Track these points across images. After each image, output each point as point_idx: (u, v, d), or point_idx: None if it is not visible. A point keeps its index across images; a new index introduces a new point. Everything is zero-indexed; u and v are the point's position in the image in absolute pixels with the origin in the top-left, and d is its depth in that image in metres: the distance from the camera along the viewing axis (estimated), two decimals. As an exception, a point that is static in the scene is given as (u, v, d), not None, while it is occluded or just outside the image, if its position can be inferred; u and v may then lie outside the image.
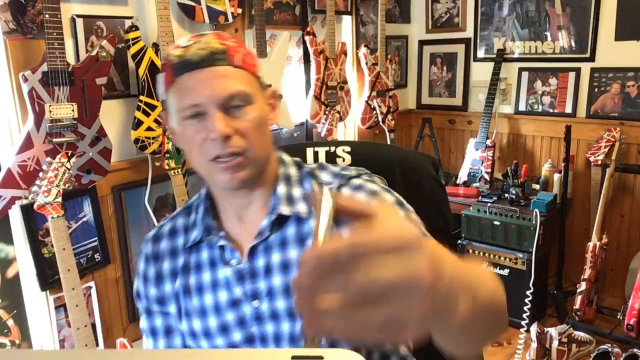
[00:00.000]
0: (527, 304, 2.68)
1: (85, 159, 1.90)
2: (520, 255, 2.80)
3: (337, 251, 0.34)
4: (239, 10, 2.41)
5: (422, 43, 3.73)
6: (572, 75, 3.13)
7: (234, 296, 0.90)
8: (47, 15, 1.71)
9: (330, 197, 0.40)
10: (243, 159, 0.86)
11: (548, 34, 3.18)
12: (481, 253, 2.94)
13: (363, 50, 3.15)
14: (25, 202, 1.84)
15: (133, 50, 2.02)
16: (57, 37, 1.74)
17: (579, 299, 2.73)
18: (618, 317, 2.67)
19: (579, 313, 2.72)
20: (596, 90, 3.05)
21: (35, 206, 1.71)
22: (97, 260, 2.12)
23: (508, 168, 3.13)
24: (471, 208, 2.96)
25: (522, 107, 3.34)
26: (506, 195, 3.03)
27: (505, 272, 2.87)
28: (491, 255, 2.90)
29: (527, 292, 2.70)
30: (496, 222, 2.86)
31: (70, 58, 1.91)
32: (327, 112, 2.85)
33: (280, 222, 0.90)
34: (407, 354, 0.94)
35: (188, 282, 0.94)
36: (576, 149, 3.11)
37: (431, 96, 3.73)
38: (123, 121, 2.13)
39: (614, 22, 2.92)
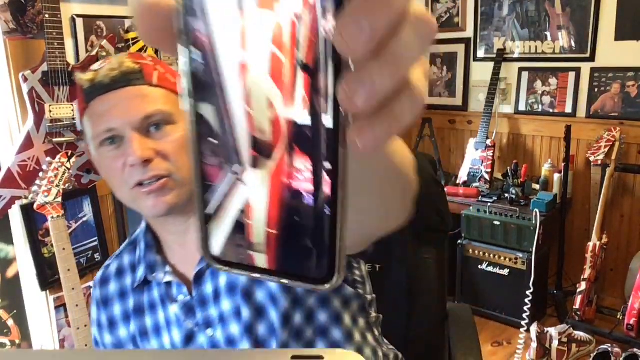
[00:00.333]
0: (527, 304, 2.68)
1: (85, 158, 1.90)
2: (520, 255, 2.80)
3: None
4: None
5: (422, 43, 3.73)
6: (572, 75, 3.13)
7: (186, 331, 0.85)
8: (47, 15, 1.71)
9: None
10: (168, 180, 0.80)
11: (548, 34, 3.18)
12: (481, 253, 2.94)
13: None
14: (25, 202, 1.84)
15: (133, 50, 2.03)
16: (57, 37, 1.74)
17: (579, 299, 2.73)
18: (618, 317, 2.67)
19: (579, 313, 2.72)
20: (596, 90, 3.05)
21: (35, 206, 1.71)
22: (97, 260, 2.12)
23: (508, 168, 3.13)
24: (471, 208, 2.96)
25: (522, 107, 3.34)
26: (506, 195, 3.03)
27: (505, 272, 2.87)
28: (491, 255, 2.90)
29: (527, 292, 2.69)
30: (496, 222, 2.86)
31: (70, 58, 1.92)
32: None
33: None
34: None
35: (144, 324, 0.89)
36: (576, 149, 3.11)
37: (431, 96, 3.73)
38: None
39: (614, 22, 2.92)
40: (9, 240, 1.96)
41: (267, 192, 0.26)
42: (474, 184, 3.17)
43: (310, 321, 0.84)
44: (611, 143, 2.84)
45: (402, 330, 1.28)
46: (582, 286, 2.72)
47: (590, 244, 2.78)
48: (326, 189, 0.25)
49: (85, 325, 1.78)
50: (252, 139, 0.26)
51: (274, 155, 0.26)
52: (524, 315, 2.67)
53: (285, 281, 0.27)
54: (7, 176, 1.73)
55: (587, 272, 2.74)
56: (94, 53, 1.86)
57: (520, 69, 3.31)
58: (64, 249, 1.73)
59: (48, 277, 1.96)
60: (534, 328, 2.58)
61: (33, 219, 1.88)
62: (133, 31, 2.01)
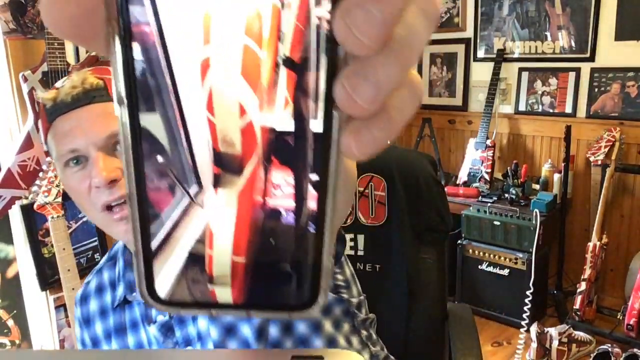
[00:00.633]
0: (527, 304, 2.68)
1: (85, 159, 1.90)
2: (520, 255, 2.80)
3: None
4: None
5: (422, 43, 3.73)
6: (572, 75, 3.13)
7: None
8: (47, 16, 1.72)
9: None
10: None
11: (548, 34, 3.18)
12: (481, 253, 2.94)
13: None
14: (25, 202, 1.85)
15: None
16: (57, 37, 1.74)
17: (579, 299, 2.73)
18: (618, 317, 2.67)
19: (579, 313, 2.72)
20: (596, 90, 3.05)
21: (35, 206, 1.71)
22: (97, 260, 2.13)
23: (508, 168, 3.13)
24: (471, 208, 2.96)
25: (522, 107, 3.34)
26: (506, 195, 3.03)
27: (505, 272, 2.87)
28: (491, 255, 2.90)
29: (527, 292, 2.69)
30: (496, 222, 2.86)
31: (70, 58, 1.92)
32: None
33: None
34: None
35: (126, 343, 0.87)
36: (576, 149, 3.11)
37: (431, 96, 3.73)
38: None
39: (614, 22, 2.92)
40: (9, 240, 1.96)
41: (234, 215, 0.22)
42: (474, 184, 3.17)
43: (289, 332, 0.82)
44: (611, 143, 2.84)
45: (402, 330, 1.28)
46: (582, 286, 2.72)
47: (590, 244, 2.78)
48: (311, 203, 0.22)
49: (85, 325, 1.78)
50: (214, 154, 0.21)
51: (245, 171, 0.22)
52: (524, 315, 2.67)
53: (255, 313, 0.23)
54: (7, 176, 1.73)
55: (587, 272, 2.74)
56: (94, 53, 1.86)
57: (520, 69, 3.31)
58: (64, 249, 1.73)
59: (48, 277, 1.96)
60: (534, 328, 2.58)
61: (33, 219, 1.88)
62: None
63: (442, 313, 1.33)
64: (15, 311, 2.04)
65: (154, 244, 0.22)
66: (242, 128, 0.21)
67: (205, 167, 0.22)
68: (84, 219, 2.05)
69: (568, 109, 3.16)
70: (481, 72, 3.46)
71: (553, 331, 2.57)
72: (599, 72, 3.03)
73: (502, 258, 2.86)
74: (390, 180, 1.19)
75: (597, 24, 2.97)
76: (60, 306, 2.00)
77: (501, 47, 3.34)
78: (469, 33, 3.49)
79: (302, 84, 0.21)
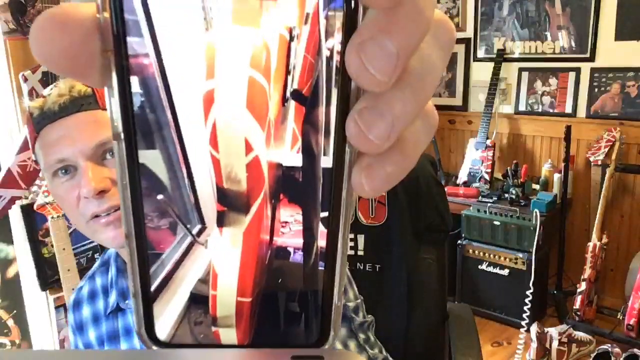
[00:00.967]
0: (527, 304, 2.68)
1: (85, 159, 1.90)
2: (520, 255, 2.80)
3: None
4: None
5: (422, 43, 3.73)
6: (572, 75, 3.13)
7: None
8: (47, 16, 1.72)
9: None
10: None
11: (548, 34, 3.18)
12: (481, 253, 2.94)
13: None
14: (25, 202, 1.84)
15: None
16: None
17: (579, 299, 2.73)
18: (618, 317, 2.67)
19: (579, 313, 2.72)
20: (596, 90, 3.05)
21: (35, 206, 1.71)
22: (97, 260, 2.13)
23: (508, 168, 3.13)
24: (471, 208, 2.96)
25: (522, 107, 3.34)
26: (506, 195, 3.03)
27: (505, 272, 2.87)
28: (491, 255, 2.90)
29: (527, 292, 2.69)
30: (496, 222, 2.86)
31: (70, 58, 1.92)
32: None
33: None
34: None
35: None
36: (576, 149, 3.11)
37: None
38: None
39: (614, 22, 2.92)
40: (9, 240, 1.96)
41: (239, 254, 0.21)
42: (474, 184, 3.17)
43: None
44: (611, 143, 2.84)
45: (402, 330, 1.28)
46: (582, 286, 2.72)
47: (590, 244, 2.78)
48: (321, 241, 0.21)
49: (85, 325, 1.78)
50: (218, 191, 0.20)
51: (251, 209, 0.20)
52: (524, 315, 2.67)
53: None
54: (7, 176, 1.72)
55: (587, 272, 2.74)
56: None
57: (520, 69, 3.31)
58: (64, 249, 1.73)
59: (48, 277, 1.96)
60: (534, 328, 2.57)
61: (33, 219, 1.88)
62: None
63: (442, 313, 1.33)
64: (15, 311, 2.04)
65: (154, 285, 0.21)
66: (248, 164, 0.20)
67: (209, 205, 0.21)
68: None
69: (568, 109, 3.16)
70: (481, 72, 3.46)
71: (553, 331, 2.57)
72: (599, 72, 3.03)
73: (502, 258, 2.86)
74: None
75: (597, 24, 2.97)
76: (60, 306, 2.00)
77: (501, 47, 3.34)
78: (469, 33, 3.49)
79: (311, 119, 0.20)
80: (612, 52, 2.96)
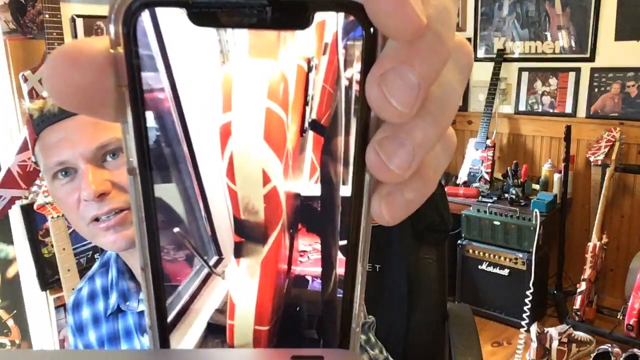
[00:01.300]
0: (527, 304, 2.68)
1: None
2: (520, 255, 2.80)
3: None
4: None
5: (422, 43, 3.73)
6: (572, 75, 3.13)
7: None
8: (47, 15, 1.72)
9: None
10: (128, 213, 0.74)
11: (548, 34, 3.18)
12: (481, 253, 2.94)
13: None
14: (25, 202, 1.85)
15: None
16: (57, 37, 1.74)
17: (579, 299, 2.73)
18: (618, 317, 2.67)
19: (579, 313, 2.72)
20: (596, 90, 3.05)
21: (35, 206, 1.71)
22: (97, 260, 2.13)
23: (508, 168, 3.13)
24: (471, 208, 2.96)
25: (522, 107, 3.34)
26: (506, 195, 3.03)
27: (505, 272, 2.87)
28: (491, 255, 2.90)
29: (527, 292, 2.69)
30: (496, 222, 2.86)
31: (70, 58, 1.92)
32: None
33: None
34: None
35: None
36: (576, 149, 3.11)
37: (431, 96, 3.73)
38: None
39: (614, 22, 2.92)
40: (9, 240, 1.96)
41: (257, 285, 0.21)
42: (474, 184, 3.17)
43: None
44: (611, 143, 2.84)
45: (402, 330, 1.28)
46: (582, 286, 2.72)
47: (590, 244, 2.78)
48: (340, 269, 0.21)
49: (85, 325, 1.78)
50: (235, 222, 0.20)
51: (269, 240, 0.20)
52: (524, 315, 2.67)
53: None
54: (7, 176, 1.73)
55: (587, 272, 2.74)
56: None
57: (520, 69, 3.31)
58: (64, 249, 1.73)
59: (48, 277, 1.96)
60: (534, 328, 2.58)
61: (33, 219, 1.88)
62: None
63: (442, 313, 1.33)
64: (15, 311, 2.04)
65: (171, 316, 0.21)
66: (266, 195, 0.20)
67: (226, 236, 0.20)
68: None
69: (568, 109, 3.16)
70: (481, 72, 3.46)
71: (553, 331, 2.57)
72: (599, 72, 3.03)
73: (502, 258, 2.86)
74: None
75: (597, 24, 2.97)
76: (60, 306, 2.00)
77: (501, 47, 3.34)
78: (468, 33, 3.49)
79: (330, 149, 0.20)
80: (612, 52, 2.96)
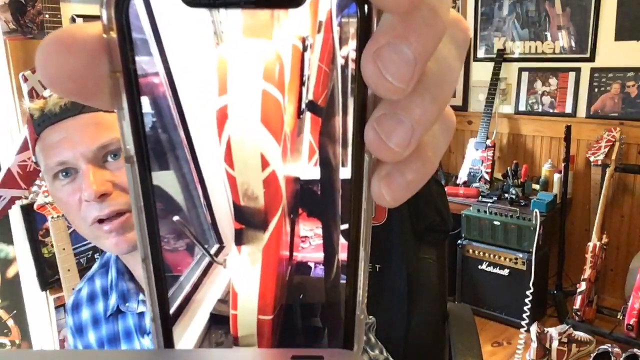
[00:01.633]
0: (527, 304, 2.68)
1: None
2: (520, 255, 2.80)
3: None
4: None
5: (422, 43, 3.73)
6: (572, 75, 3.13)
7: None
8: (47, 15, 1.72)
9: None
10: (130, 216, 0.73)
11: (548, 34, 3.18)
12: (481, 253, 2.94)
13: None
14: (25, 202, 1.85)
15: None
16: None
17: (579, 299, 2.73)
18: (618, 317, 2.67)
19: (579, 313, 2.72)
20: (596, 90, 3.05)
21: (35, 206, 1.71)
22: (97, 260, 2.13)
23: (508, 168, 3.13)
24: (471, 208, 2.96)
25: (522, 107, 3.34)
26: (506, 195, 3.03)
27: (505, 272, 2.87)
28: (491, 255, 2.90)
29: (527, 292, 2.69)
30: (496, 222, 2.86)
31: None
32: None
33: None
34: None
35: None
36: (576, 149, 3.11)
37: (431, 96, 3.73)
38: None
39: (614, 22, 2.92)
40: (9, 240, 1.96)
41: (259, 272, 0.20)
42: (474, 184, 3.17)
43: None
44: (611, 143, 2.84)
45: (402, 330, 1.28)
46: (582, 286, 2.72)
47: (590, 244, 2.78)
48: (343, 254, 0.20)
49: (85, 325, 1.78)
50: (235, 209, 0.19)
51: (269, 226, 0.20)
52: (524, 315, 2.67)
53: None
54: (7, 176, 1.73)
55: (587, 272, 2.74)
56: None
57: (520, 69, 3.31)
58: (64, 249, 1.73)
59: (48, 277, 1.96)
60: (534, 328, 2.58)
61: (33, 219, 1.88)
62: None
63: (442, 313, 1.33)
64: (15, 311, 2.04)
65: (173, 307, 0.20)
66: (265, 180, 0.19)
67: (226, 223, 0.20)
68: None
69: (568, 109, 3.16)
70: (481, 72, 3.46)
71: (553, 331, 2.58)
72: (599, 72, 3.03)
73: (502, 258, 2.86)
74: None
75: (597, 24, 2.98)
76: (60, 306, 2.00)
77: (501, 47, 3.34)
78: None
79: (328, 129, 0.19)
80: (612, 52, 2.96)
